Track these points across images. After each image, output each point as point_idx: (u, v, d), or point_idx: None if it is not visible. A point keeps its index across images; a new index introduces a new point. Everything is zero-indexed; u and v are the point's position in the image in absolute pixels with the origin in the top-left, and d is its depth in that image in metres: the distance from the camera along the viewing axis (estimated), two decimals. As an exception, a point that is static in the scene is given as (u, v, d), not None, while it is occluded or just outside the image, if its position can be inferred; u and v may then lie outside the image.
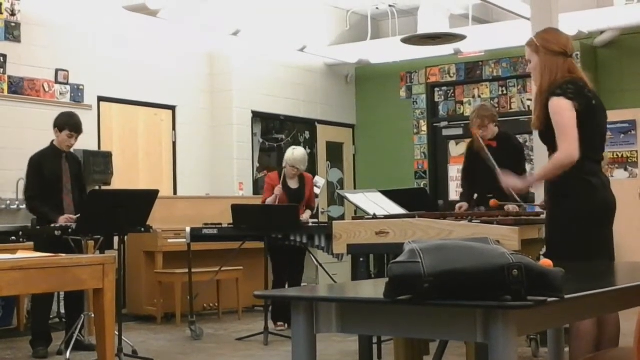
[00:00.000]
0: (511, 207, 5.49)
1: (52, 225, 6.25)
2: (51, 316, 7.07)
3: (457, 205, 6.56)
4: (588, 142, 3.97)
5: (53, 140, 6.64)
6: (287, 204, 7.48)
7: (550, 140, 4.00)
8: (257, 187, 10.76)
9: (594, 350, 3.85)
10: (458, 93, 11.75)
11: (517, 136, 7.44)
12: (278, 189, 7.46)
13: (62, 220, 6.27)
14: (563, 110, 3.92)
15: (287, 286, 7.54)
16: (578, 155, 3.89)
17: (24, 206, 8.06)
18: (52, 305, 6.69)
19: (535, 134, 4.53)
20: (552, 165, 4.00)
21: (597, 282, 2.97)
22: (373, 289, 2.66)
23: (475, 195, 6.74)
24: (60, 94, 8.78)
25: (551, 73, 4.01)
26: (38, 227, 6.78)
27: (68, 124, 6.56)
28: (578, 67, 4.10)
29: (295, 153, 7.72)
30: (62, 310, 7.00)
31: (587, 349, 3.84)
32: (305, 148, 11.60)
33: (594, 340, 3.91)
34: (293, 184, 7.74)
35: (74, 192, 6.53)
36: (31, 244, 7.06)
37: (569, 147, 3.90)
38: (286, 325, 7.56)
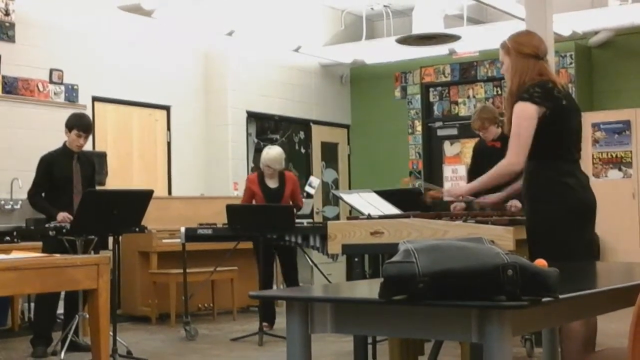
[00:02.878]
0: (514, 204, 5.43)
1: (47, 225, 6.25)
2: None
3: (452, 206, 6.53)
4: (561, 143, 3.99)
5: (65, 141, 6.64)
6: (265, 204, 7.47)
7: None
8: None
9: (583, 351, 3.86)
10: (453, 93, 11.76)
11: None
12: None
13: (60, 216, 6.27)
14: (522, 118, 3.93)
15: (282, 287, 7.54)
16: (520, 168, 3.94)
17: (19, 206, 8.10)
18: (56, 305, 6.66)
19: None
20: (495, 171, 4.07)
21: (591, 282, 2.97)
22: (368, 289, 2.66)
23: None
24: (55, 94, 8.77)
25: (521, 75, 4.03)
26: (33, 228, 6.76)
27: (77, 124, 6.57)
28: (549, 69, 4.11)
29: (270, 152, 7.68)
30: (59, 310, 6.97)
31: (578, 349, 3.85)
32: (300, 148, 11.62)
33: (584, 340, 3.91)
34: (272, 184, 7.70)
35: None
36: (25, 243, 7.06)
37: (515, 156, 3.95)
38: (273, 325, 7.57)
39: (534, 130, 3.92)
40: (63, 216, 6.30)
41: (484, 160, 6.60)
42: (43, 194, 6.57)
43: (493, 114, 6.58)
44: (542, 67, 4.06)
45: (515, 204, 5.39)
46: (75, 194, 6.55)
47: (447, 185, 11.16)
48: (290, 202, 7.63)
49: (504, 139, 6.55)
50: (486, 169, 6.64)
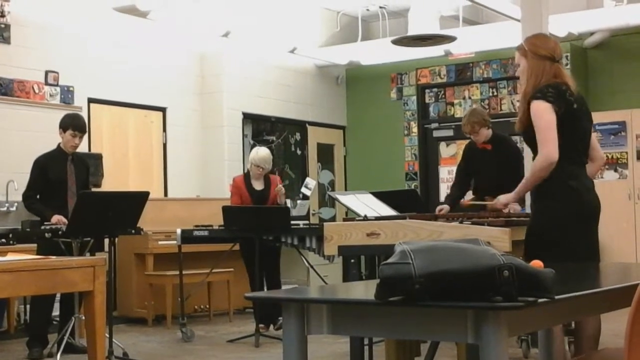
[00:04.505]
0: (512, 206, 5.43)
1: (42, 227, 6.24)
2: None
3: (438, 208, 6.51)
4: (569, 145, 4.03)
5: (59, 143, 6.64)
6: (260, 206, 7.47)
7: (533, 142, 4.06)
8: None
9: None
10: (448, 94, 11.76)
11: (508, 138, 7.41)
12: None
13: (55, 219, 6.27)
14: (542, 113, 3.97)
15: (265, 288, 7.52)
16: (557, 157, 3.96)
17: (14, 208, 8.09)
18: (52, 307, 6.66)
19: None
20: (533, 170, 4.08)
21: (587, 283, 2.98)
22: (364, 290, 2.66)
23: (471, 196, 6.72)
24: (50, 95, 8.76)
25: (536, 77, 4.08)
26: (28, 230, 6.75)
27: (71, 124, 6.57)
28: (564, 72, 4.16)
29: (260, 152, 7.69)
30: (55, 312, 6.97)
31: (589, 347, 3.88)
32: (295, 150, 11.62)
33: (593, 338, 3.94)
34: (258, 185, 7.70)
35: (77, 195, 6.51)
36: (21, 246, 7.06)
37: (548, 149, 3.97)
38: (270, 327, 7.57)
39: (554, 121, 3.95)
40: (58, 219, 6.30)
41: (475, 161, 6.65)
42: (38, 196, 6.57)
43: (483, 117, 6.61)
44: (558, 69, 4.11)
45: (513, 206, 5.39)
46: (70, 196, 6.54)
47: (442, 186, 11.20)
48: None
49: (495, 141, 6.62)
50: (476, 170, 6.67)
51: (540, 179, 4.04)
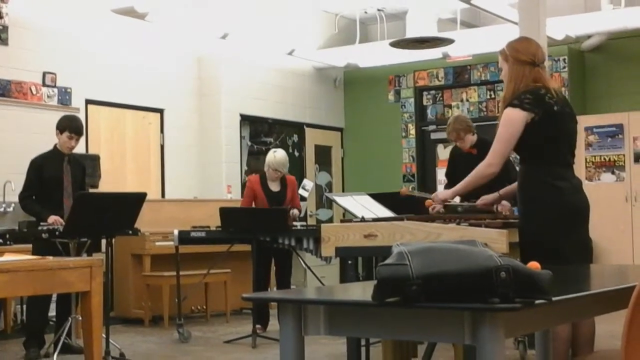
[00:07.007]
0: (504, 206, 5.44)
1: (40, 228, 6.24)
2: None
3: (430, 208, 6.52)
4: (553, 147, 4.03)
5: (56, 144, 6.64)
6: (268, 207, 7.46)
7: (518, 147, 4.05)
8: (246, 190, 10.75)
9: (569, 353, 3.88)
10: (446, 97, 11.77)
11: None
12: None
13: (51, 220, 6.27)
14: (508, 123, 4.00)
15: (275, 289, 7.54)
16: (498, 168, 4.04)
17: (11, 209, 8.08)
18: (48, 307, 6.65)
19: None
20: (474, 173, 4.15)
21: (584, 285, 2.98)
22: (361, 291, 2.66)
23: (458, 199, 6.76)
24: (48, 96, 8.75)
25: (516, 82, 4.08)
26: (25, 230, 6.75)
27: (68, 126, 6.57)
28: (545, 76, 4.15)
29: (277, 156, 7.66)
30: (52, 313, 6.96)
31: (564, 349, 3.88)
32: (293, 151, 11.62)
33: (569, 342, 3.94)
34: (274, 187, 7.68)
35: (74, 196, 6.50)
36: (17, 246, 7.05)
37: (492, 158, 4.04)
38: (264, 328, 7.57)
39: (517, 135, 3.98)
40: (54, 219, 6.29)
41: (461, 166, 6.70)
42: (34, 197, 6.57)
43: (467, 123, 6.72)
44: (538, 73, 4.09)
45: (502, 204, 5.40)
46: (66, 197, 6.54)
47: (440, 188, 11.21)
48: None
49: (479, 145, 6.66)
50: (463, 173, 6.71)
51: (477, 185, 4.14)
